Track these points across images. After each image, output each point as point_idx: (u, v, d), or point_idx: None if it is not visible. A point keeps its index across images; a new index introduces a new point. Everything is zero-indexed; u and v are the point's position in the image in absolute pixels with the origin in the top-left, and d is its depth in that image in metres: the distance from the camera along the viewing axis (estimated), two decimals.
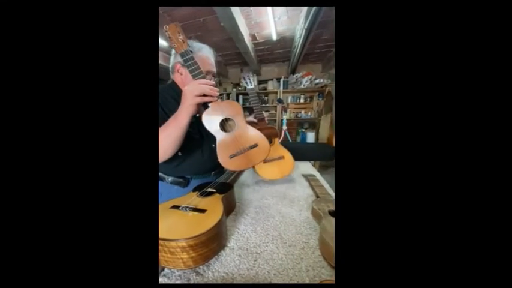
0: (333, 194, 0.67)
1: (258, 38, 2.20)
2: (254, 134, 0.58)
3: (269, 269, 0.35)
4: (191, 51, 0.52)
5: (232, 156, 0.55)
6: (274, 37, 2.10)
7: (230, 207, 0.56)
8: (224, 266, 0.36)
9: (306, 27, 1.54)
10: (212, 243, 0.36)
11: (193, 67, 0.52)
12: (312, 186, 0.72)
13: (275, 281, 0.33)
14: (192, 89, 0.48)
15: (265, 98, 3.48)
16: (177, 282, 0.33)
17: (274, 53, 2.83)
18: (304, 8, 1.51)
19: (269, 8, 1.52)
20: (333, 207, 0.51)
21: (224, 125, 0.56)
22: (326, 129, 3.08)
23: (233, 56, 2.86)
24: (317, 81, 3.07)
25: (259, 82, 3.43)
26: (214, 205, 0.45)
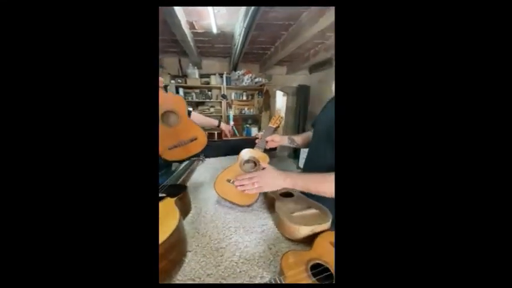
0: None
1: (197, 28, 1.98)
2: (195, 128, 0.61)
3: (236, 259, 0.35)
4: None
5: (171, 148, 0.57)
6: (215, 30, 1.97)
7: (186, 210, 0.49)
8: (189, 272, 0.32)
9: (245, 26, 1.56)
10: (170, 253, 0.31)
11: None
12: None
13: (243, 268, 0.33)
14: None
15: (209, 92, 3.28)
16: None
17: (215, 46, 2.67)
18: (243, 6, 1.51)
19: None
20: (283, 190, 0.57)
21: (164, 117, 0.55)
22: (267, 124, 3.38)
23: (169, 43, 2.44)
24: (257, 80, 3.23)
25: (201, 76, 3.17)
26: (167, 211, 0.38)
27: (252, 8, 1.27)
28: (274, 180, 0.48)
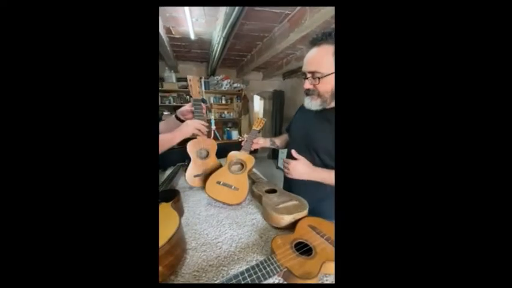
0: (264, 178, 0.81)
1: (174, 33, 1.92)
2: (215, 165, 0.74)
3: (233, 249, 0.39)
4: (202, 101, 0.71)
5: (196, 176, 0.69)
6: (192, 36, 1.94)
7: (180, 212, 0.51)
8: (192, 266, 0.35)
9: (223, 35, 1.60)
10: (175, 250, 0.34)
11: (199, 111, 0.70)
12: (248, 175, 0.83)
13: (240, 256, 0.38)
14: (196, 125, 0.65)
15: (187, 96, 3.17)
16: None
17: (192, 51, 2.62)
18: (221, 17, 1.55)
19: (186, 8, 1.38)
20: (267, 187, 0.63)
21: (199, 152, 0.71)
22: (246, 127, 3.46)
23: None
24: (235, 85, 3.27)
25: (178, 79, 3.05)
26: (166, 213, 0.41)
27: (231, 19, 1.32)
28: (304, 171, 0.56)
